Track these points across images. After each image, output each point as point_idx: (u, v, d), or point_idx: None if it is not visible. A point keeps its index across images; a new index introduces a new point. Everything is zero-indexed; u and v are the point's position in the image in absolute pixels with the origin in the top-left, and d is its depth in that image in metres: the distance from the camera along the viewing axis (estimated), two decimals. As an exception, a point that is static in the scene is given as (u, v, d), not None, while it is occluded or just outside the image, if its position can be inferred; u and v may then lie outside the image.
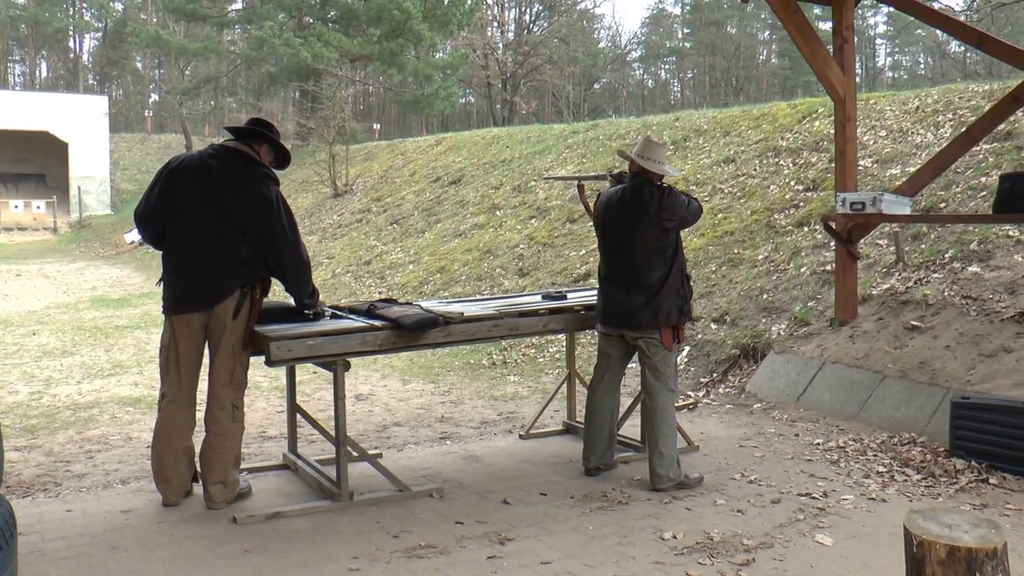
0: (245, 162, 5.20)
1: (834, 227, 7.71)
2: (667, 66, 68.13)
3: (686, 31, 65.29)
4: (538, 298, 6.48)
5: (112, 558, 4.54)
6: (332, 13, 35.98)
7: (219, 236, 5.06)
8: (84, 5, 60.15)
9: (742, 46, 61.09)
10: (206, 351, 5.29)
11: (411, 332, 5.28)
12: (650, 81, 67.91)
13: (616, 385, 5.83)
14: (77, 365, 10.32)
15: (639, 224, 5.46)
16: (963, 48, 48.67)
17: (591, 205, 6.21)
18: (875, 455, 6.03)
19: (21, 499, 5.48)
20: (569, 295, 6.49)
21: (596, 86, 59.71)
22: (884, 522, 4.84)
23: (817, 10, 13.22)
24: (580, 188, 6.55)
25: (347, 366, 5.31)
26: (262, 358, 5.15)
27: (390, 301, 5.98)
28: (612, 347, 5.76)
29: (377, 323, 5.33)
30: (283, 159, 5.48)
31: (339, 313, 5.72)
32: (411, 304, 5.87)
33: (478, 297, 7.14)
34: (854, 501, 5.18)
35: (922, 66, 61.12)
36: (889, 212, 7.15)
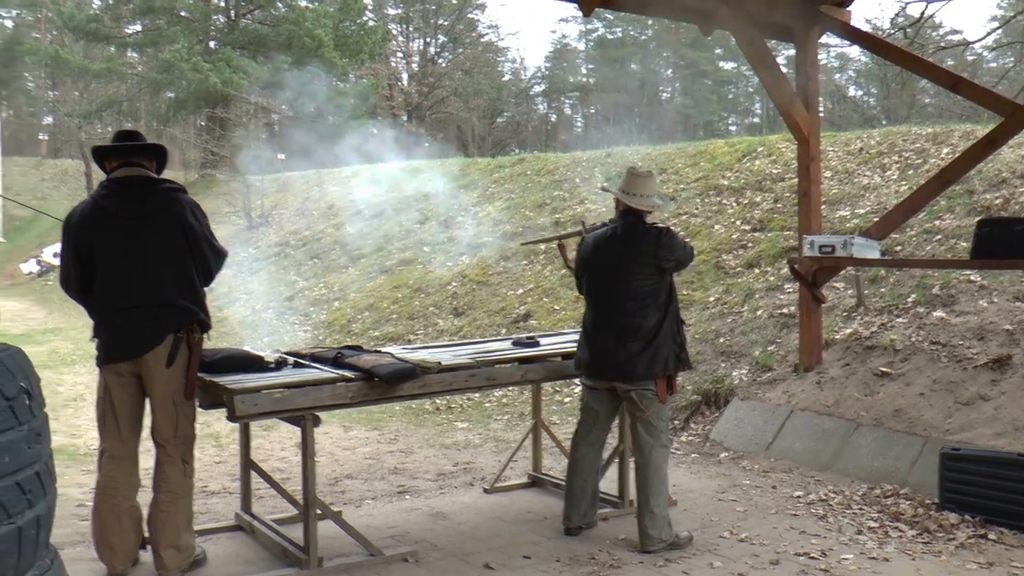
0: (141, 187, 4.72)
1: (799, 270, 7.53)
2: (571, 101, 68.63)
3: (590, 67, 65.90)
4: (507, 344, 6.12)
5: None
6: (241, 38, 35.29)
7: (140, 279, 4.60)
8: (-30, 21, 58.07)
9: (646, 83, 61.87)
10: (147, 404, 4.78)
11: (387, 383, 4.87)
12: (553, 116, 68.31)
13: (602, 442, 5.47)
14: (-17, 409, 9.56)
15: (633, 265, 5.11)
16: (862, 92, 50.13)
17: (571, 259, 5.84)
18: (861, 508, 5.81)
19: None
20: (541, 340, 6.13)
21: (500, 119, 59.79)
22: (895, 585, 4.60)
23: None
24: (561, 248, 6.19)
25: (317, 421, 4.87)
26: (220, 411, 4.70)
27: (357, 348, 5.56)
28: (600, 401, 5.38)
29: (348, 373, 4.91)
30: (163, 160, 5.00)
31: (302, 362, 5.28)
32: (381, 352, 5.46)
33: (443, 343, 6.73)
34: (856, 561, 4.92)
35: (822, 110, 62.70)
36: (860, 256, 6.97)
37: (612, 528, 5.51)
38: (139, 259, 4.59)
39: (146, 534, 4.80)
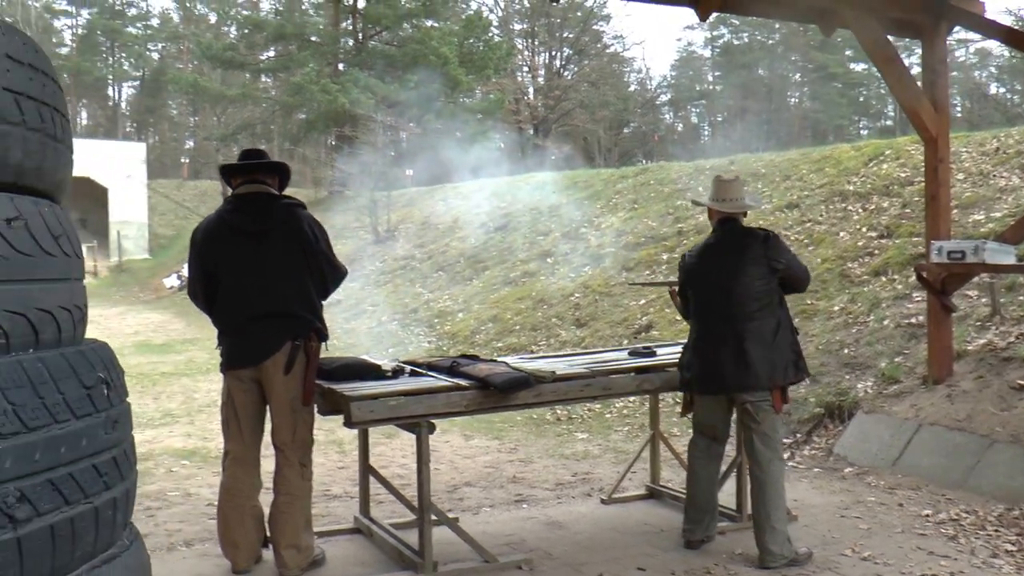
0: (263, 203, 4.91)
1: (926, 277, 7.28)
2: (697, 109, 67.92)
3: (716, 74, 65.15)
4: (623, 354, 6.08)
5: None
6: (368, 59, 36.07)
7: (261, 290, 4.78)
8: (123, 54, 61.24)
9: (774, 89, 60.78)
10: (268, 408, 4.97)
11: (500, 392, 4.90)
12: (680, 125, 67.69)
13: (720, 454, 5.39)
14: (125, 415, 9.98)
15: (745, 266, 5.03)
16: (1004, 90, 48.26)
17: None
18: (997, 530, 5.51)
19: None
20: (657, 350, 6.08)
21: (626, 130, 59.53)
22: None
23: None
24: (672, 293, 6.05)
25: (432, 428, 4.93)
26: (332, 417, 4.86)
27: (473, 358, 5.61)
28: (715, 414, 5.30)
29: (463, 382, 4.96)
30: (286, 178, 5.16)
31: (419, 370, 5.35)
32: (496, 361, 5.50)
33: (561, 354, 6.73)
34: (989, 584, 4.70)
35: (959, 109, 60.61)
36: (992, 262, 6.68)
37: (729, 542, 5.40)
38: (259, 271, 4.77)
39: (268, 534, 4.96)
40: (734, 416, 5.35)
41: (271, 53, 41.11)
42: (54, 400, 1.64)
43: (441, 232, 20.37)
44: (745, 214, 5.35)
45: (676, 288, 5.76)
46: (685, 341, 5.49)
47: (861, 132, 57.21)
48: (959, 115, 49.75)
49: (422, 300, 16.37)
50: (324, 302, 5.06)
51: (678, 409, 8.19)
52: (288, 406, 4.81)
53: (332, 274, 5.02)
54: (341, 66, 35.87)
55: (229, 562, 4.95)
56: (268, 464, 4.94)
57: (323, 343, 4.96)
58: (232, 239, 4.84)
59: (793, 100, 63.17)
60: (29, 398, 1.60)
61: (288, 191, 5.22)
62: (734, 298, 5.05)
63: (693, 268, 5.32)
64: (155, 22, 61.83)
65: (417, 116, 32.24)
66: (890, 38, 7.34)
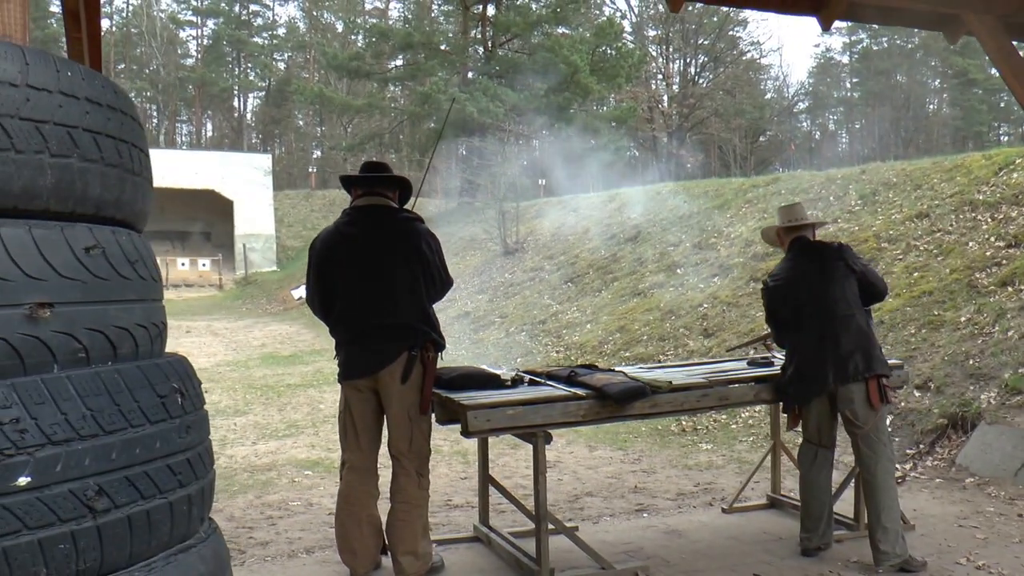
0: (380, 216, 5.02)
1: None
2: (835, 117, 66.36)
3: (854, 80, 63.55)
4: (742, 364, 6.06)
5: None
6: (497, 67, 36.21)
7: (377, 301, 4.87)
8: (249, 65, 62.05)
9: (912, 95, 58.93)
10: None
11: (617, 402, 4.92)
12: (817, 133, 66.23)
13: (831, 460, 5.43)
14: (251, 425, 10.30)
15: (829, 271, 5.30)
16: None
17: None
18: (1120, 546, 5.31)
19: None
20: (775, 360, 6.03)
21: (762, 138, 58.57)
22: None
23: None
24: (765, 338, 6.25)
25: (548, 438, 4.98)
26: (456, 426, 4.90)
27: (591, 367, 5.63)
28: (819, 419, 5.38)
29: (580, 391, 4.98)
30: (407, 190, 5.27)
31: (537, 380, 5.41)
32: (613, 371, 5.53)
33: (679, 364, 6.73)
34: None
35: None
36: None
37: (846, 550, 5.41)
38: (375, 283, 4.87)
39: (387, 541, 5.06)
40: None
41: (399, 62, 41.56)
42: (130, 407, 1.85)
43: (570, 243, 20.38)
44: (815, 232, 5.65)
45: (768, 334, 6.02)
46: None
47: (1001, 139, 55.06)
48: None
49: (550, 311, 16.42)
50: (443, 314, 5.17)
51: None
52: (405, 415, 4.89)
53: (441, 286, 5.11)
54: (470, 75, 36.09)
55: (348, 568, 5.07)
56: (387, 474, 5.04)
57: (439, 353, 5.04)
58: (348, 251, 4.95)
59: (932, 106, 61.15)
60: (106, 405, 1.81)
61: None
62: (827, 300, 5.27)
63: (780, 286, 5.52)
64: (281, 31, 62.32)
65: (548, 125, 32.32)
66: (1016, 43, 7.10)
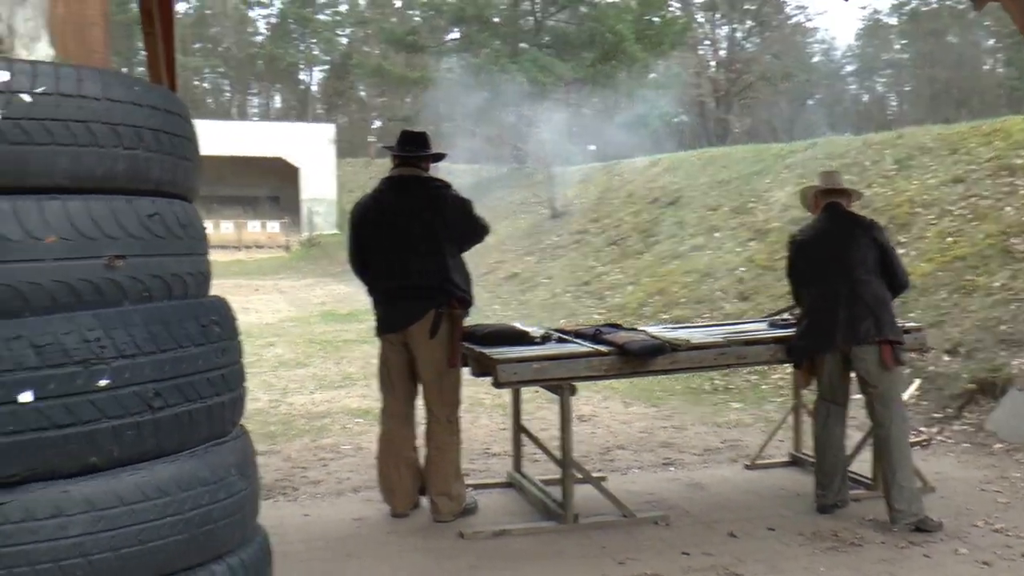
0: (412, 185, 5.47)
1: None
2: (883, 79, 65.28)
3: (903, 42, 62.45)
4: (764, 325, 6.33)
5: (346, 564, 4.78)
6: (546, 38, 36.45)
7: (406, 263, 5.31)
8: (313, 41, 63.77)
9: (964, 56, 57.73)
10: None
11: (636, 358, 5.24)
12: (866, 96, 65.30)
13: (843, 417, 5.58)
14: (310, 376, 10.91)
15: (854, 237, 5.41)
16: None
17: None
18: None
19: (264, 500, 5.78)
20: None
21: (810, 102, 57.94)
22: None
23: None
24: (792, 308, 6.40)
25: (573, 390, 5.33)
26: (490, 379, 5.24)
27: (615, 326, 5.97)
28: (832, 376, 5.53)
29: (603, 348, 5.33)
30: (439, 158, 5.76)
31: (565, 337, 5.76)
32: (636, 330, 5.85)
33: (702, 324, 7.02)
34: None
35: None
36: None
37: (862, 509, 5.53)
38: (404, 247, 5.31)
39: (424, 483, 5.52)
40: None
41: (454, 35, 42.05)
42: (179, 333, 2.47)
43: (614, 207, 20.68)
44: (850, 202, 5.69)
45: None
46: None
47: (1058, 98, 53.88)
48: None
49: (594, 273, 16.77)
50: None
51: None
52: (434, 368, 5.36)
53: (472, 235, 5.54)
54: (521, 45, 36.34)
55: (389, 506, 5.55)
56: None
57: (467, 309, 5.45)
58: (381, 217, 5.44)
59: (987, 67, 59.87)
60: (162, 331, 2.42)
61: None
62: (846, 262, 5.37)
63: (806, 241, 5.65)
64: (343, 8, 64.08)
65: (595, 93, 32.45)
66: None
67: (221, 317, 2.70)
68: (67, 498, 2.26)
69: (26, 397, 2.22)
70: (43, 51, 2.83)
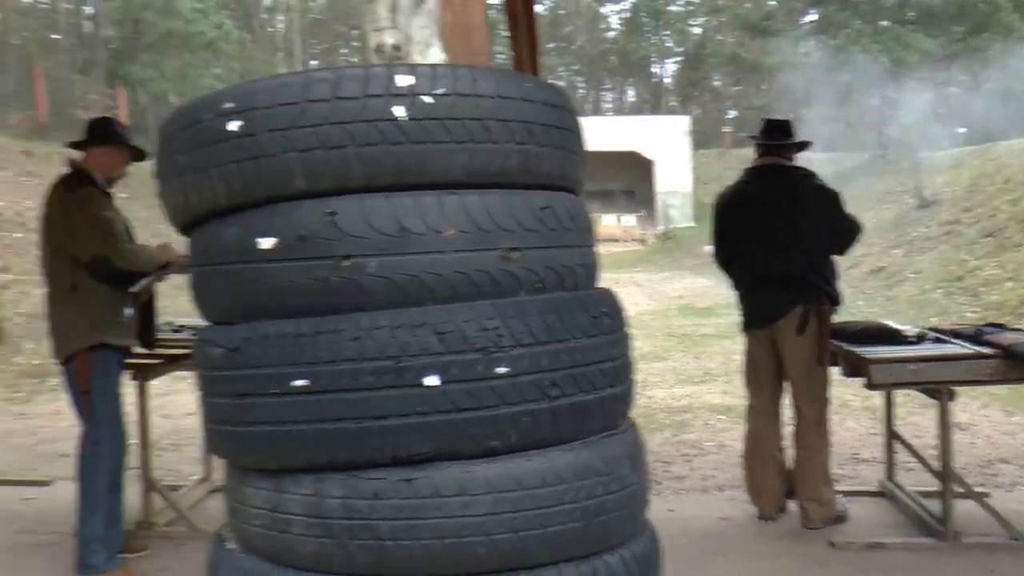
0: (776, 175, 5.31)
1: None
2: None
3: None
4: None
5: (711, 562, 4.77)
6: (910, 14, 34.40)
7: (772, 256, 5.16)
8: (666, 32, 64.26)
9: None
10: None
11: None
12: None
13: None
14: (669, 370, 11.01)
15: None
16: None
17: None
18: None
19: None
20: None
21: None
22: None
23: None
24: None
25: (952, 395, 5.02)
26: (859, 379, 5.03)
27: (999, 326, 5.52)
28: None
29: (986, 350, 4.92)
30: (804, 147, 5.51)
31: (942, 337, 5.40)
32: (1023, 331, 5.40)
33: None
34: None
35: None
36: None
37: None
38: (770, 238, 5.18)
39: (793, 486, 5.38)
40: None
41: (813, 17, 40.71)
42: (572, 323, 2.54)
43: (989, 195, 19.18)
44: None
45: None
46: None
47: None
48: None
49: (967, 267, 15.66)
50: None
51: None
52: (802, 366, 5.19)
53: (841, 236, 5.30)
54: (882, 23, 34.57)
55: (755, 508, 5.45)
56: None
57: (835, 306, 5.27)
58: (745, 208, 5.36)
59: None
60: (556, 321, 2.51)
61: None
62: None
63: None
64: (697, -1, 64.34)
65: (965, 70, 30.31)
66: None
67: (611, 308, 2.78)
68: (470, 479, 2.43)
69: (432, 381, 2.39)
70: (436, 55, 3.07)
